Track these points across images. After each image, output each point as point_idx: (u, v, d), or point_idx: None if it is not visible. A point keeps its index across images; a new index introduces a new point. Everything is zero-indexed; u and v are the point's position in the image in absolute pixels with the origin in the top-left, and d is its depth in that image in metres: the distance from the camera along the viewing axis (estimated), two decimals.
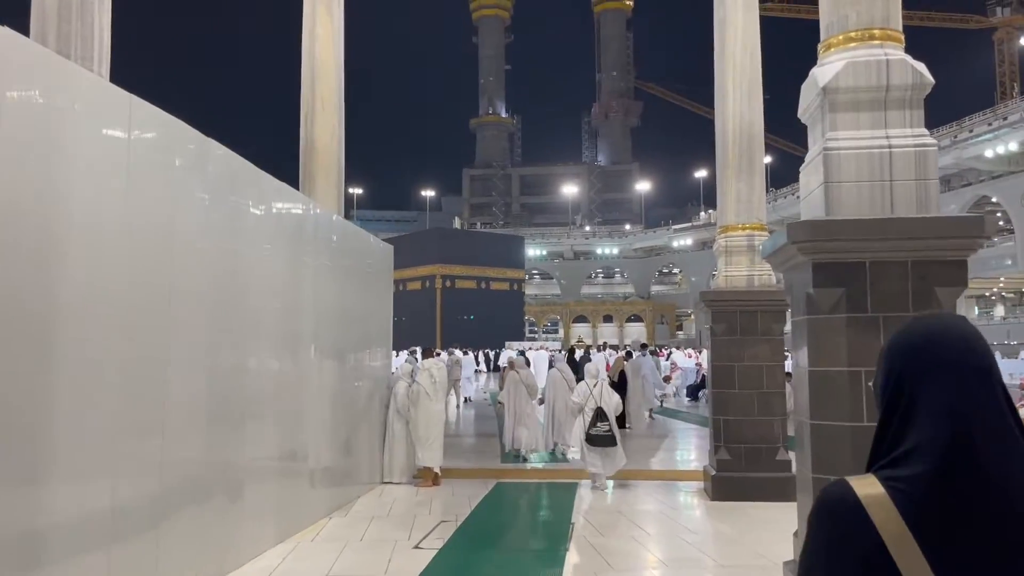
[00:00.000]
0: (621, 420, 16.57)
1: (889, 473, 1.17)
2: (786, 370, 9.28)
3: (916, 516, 1.12)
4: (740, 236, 9.02)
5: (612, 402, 9.91)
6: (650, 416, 18.44)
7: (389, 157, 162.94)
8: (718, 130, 9.31)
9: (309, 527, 7.59)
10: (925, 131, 4.55)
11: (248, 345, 6.22)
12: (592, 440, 9.63)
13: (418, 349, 11.08)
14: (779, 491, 8.61)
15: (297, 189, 9.35)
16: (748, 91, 9.03)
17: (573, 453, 11.72)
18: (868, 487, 1.17)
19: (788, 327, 10.01)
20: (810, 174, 4.84)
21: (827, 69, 4.63)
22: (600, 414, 9.66)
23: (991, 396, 1.17)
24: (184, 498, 5.28)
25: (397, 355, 30.97)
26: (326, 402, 8.18)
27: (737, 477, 8.72)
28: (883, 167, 4.49)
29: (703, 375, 25.70)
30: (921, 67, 4.56)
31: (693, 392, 25.21)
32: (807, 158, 4.96)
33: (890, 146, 4.50)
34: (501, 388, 13.49)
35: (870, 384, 1.42)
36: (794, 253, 4.50)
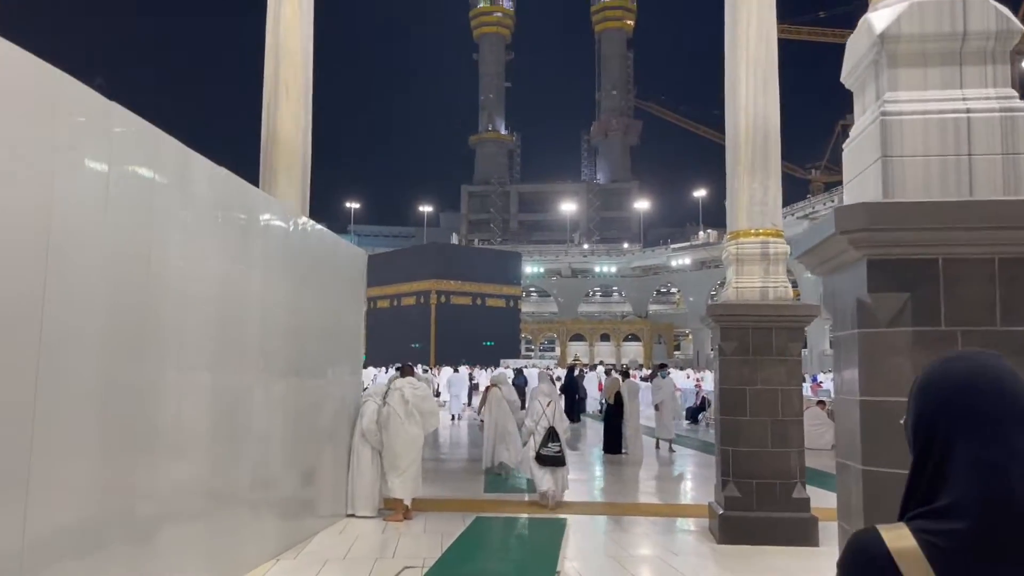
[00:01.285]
0: (617, 445, 15.57)
1: (923, 525, 1.14)
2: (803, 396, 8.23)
3: (950, 573, 1.09)
4: (753, 243, 7.98)
5: (563, 424, 9.90)
6: (670, 448, 16.14)
7: (388, 173, 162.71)
8: (729, 125, 8.31)
9: (250, 572, 6.48)
10: (1013, 92, 3.51)
11: (163, 356, 5.13)
12: (543, 460, 9.56)
13: (411, 366, 9.99)
14: (796, 534, 7.55)
15: (257, 186, 8.34)
16: (763, 81, 8.03)
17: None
18: (900, 539, 1.14)
19: (806, 348, 8.98)
20: (859, 150, 3.80)
21: (885, 13, 3.60)
22: (552, 434, 9.64)
23: None
24: (66, 542, 4.20)
25: (385, 371, 29.70)
26: (276, 423, 7.10)
27: (748, 517, 7.62)
28: (959, 137, 3.45)
29: (703, 397, 24.64)
30: (1006, 11, 3.54)
31: (693, 415, 24.15)
32: (854, 131, 3.93)
33: (968, 110, 3.46)
34: (481, 407, 13.27)
35: (900, 421, 1.28)
36: (843, 247, 3.44)
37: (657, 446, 16.39)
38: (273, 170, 8.55)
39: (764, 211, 7.97)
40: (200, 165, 5.63)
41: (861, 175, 3.75)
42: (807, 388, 24.70)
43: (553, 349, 77.47)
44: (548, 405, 9.89)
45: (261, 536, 6.84)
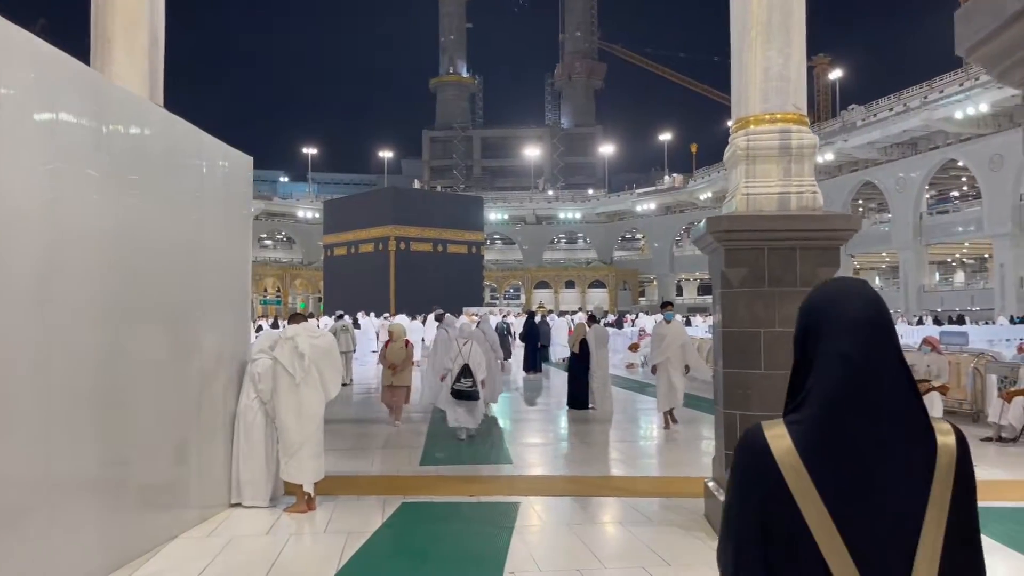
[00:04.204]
0: (583, 400, 13.56)
1: (792, 417, 1.39)
2: None
3: (807, 450, 1.33)
4: (769, 133, 5.81)
5: (479, 360, 10.36)
6: (670, 420, 11.37)
7: (347, 118, 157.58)
8: None
9: None
10: None
11: None
12: (457, 394, 10.09)
13: (301, 313, 7.74)
14: None
15: (87, 63, 5.97)
16: None
17: (492, 411, 12.72)
18: (774, 427, 1.40)
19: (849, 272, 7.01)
20: None
21: None
22: (465, 370, 10.09)
23: (883, 347, 1.36)
24: None
25: (334, 319, 26.62)
26: (84, 386, 4.85)
27: None
28: None
29: None
30: None
31: None
32: None
33: None
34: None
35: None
36: None
37: (667, 423, 11.30)
38: (107, 39, 6.13)
39: (784, 88, 5.79)
40: None
41: None
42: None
43: (518, 297, 75.65)
44: (464, 344, 10.38)
45: (70, 551, 4.64)
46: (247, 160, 7.21)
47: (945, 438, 1.35)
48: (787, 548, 1.34)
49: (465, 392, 10.02)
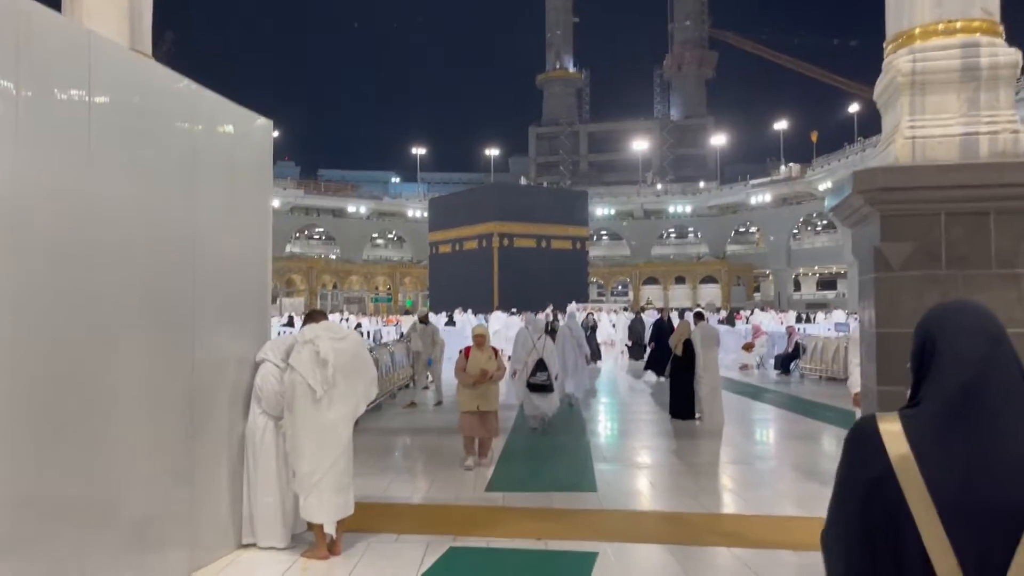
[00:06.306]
0: (688, 409, 11.83)
1: (909, 412, 1.45)
2: None
3: (919, 444, 1.37)
4: (947, 49, 4.03)
5: (552, 353, 10.73)
6: None
7: (455, 117, 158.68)
8: None
9: None
10: None
11: None
12: (532, 387, 10.41)
13: (321, 311, 5.94)
14: None
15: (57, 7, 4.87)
16: None
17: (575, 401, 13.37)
18: (888, 421, 1.44)
19: None
20: None
21: None
22: (540, 364, 10.38)
23: (1000, 355, 1.42)
24: None
25: (446, 318, 24.93)
26: (40, 403, 3.67)
27: None
28: None
29: (796, 341, 20.47)
30: None
31: (784, 363, 20.04)
32: None
33: None
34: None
35: (907, 366, 1.56)
36: None
37: None
38: None
39: None
40: None
41: None
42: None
43: (626, 293, 73.61)
44: (539, 339, 10.57)
45: None
46: (265, 124, 5.92)
47: None
48: (889, 534, 1.37)
49: (540, 385, 10.40)
